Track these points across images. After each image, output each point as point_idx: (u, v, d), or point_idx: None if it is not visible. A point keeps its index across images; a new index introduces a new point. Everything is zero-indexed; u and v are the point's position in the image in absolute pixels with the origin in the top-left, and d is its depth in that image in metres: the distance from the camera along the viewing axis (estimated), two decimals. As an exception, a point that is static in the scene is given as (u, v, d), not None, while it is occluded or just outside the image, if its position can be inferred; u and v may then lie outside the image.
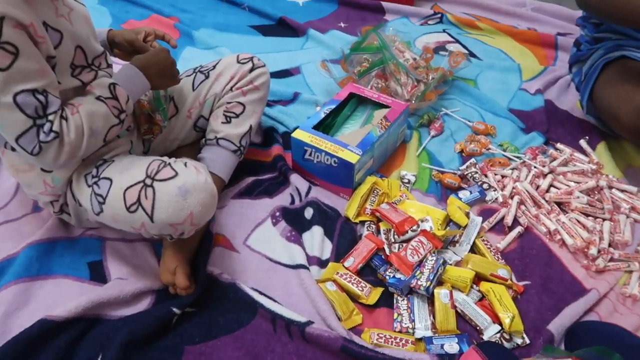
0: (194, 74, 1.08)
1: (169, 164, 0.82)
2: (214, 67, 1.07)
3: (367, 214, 1.02)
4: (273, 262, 0.96)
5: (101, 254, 0.96)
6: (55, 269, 0.93)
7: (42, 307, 0.86)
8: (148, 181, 0.80)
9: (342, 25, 1.60)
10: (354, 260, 0.93)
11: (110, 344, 0.81)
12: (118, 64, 0.95)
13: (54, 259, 0.94)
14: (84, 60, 0.86)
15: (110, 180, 0.83)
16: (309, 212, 1.02)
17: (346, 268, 0.92)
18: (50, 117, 0.76)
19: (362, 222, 1.02)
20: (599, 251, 0.96)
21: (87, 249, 0.97)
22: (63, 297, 0.88)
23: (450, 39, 1.54)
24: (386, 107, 1.14)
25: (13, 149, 0.86)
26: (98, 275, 0.93)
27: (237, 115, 1.04)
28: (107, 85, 0.84)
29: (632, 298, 0.90)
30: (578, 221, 1.02)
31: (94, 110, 0.81)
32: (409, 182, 1.10)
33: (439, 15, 1.63)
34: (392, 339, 0.83)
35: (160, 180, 0.79)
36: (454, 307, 0.87)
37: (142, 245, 0.97)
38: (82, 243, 0.98)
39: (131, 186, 0.80)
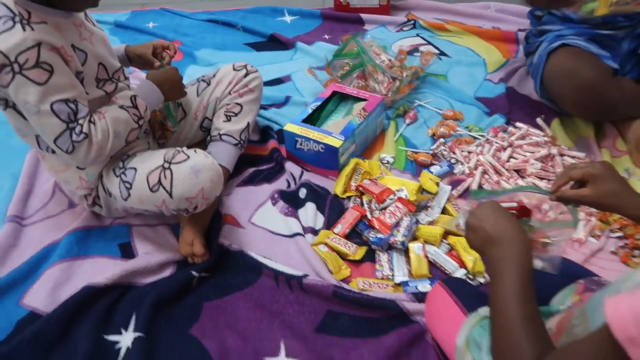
0: (198, 83, 1.27)
1: (182, 150, 1.01)
2: (214, 75, 1.26)
3: (352, 190, 1.19)
4: (274, 234, 1.13)
5: (129, 237, 1.14)
6: (92, 250, 1.11)
7: (84, 280, 1.03)
8: (166, 165, 0.98)
9: (327, 37, 1.80)
10: (342, 226, 1.10)
11: (142, 304, 0.98)
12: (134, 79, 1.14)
13: (89, 243, 1.12)
14: (106, 74, 1.05)
15: (135, 169, 1.02)
16: (302, 192, 1.20)
17: (336, 233, 1.10)
18: (81, 121, 0.94)
19: (349, 197, 1.19)
20: (550, 207, 1.12)
21: (116, 234, 1.15)
22: (100, 271, 1.04)
23: (423, 42, 1.73)
24: (365, 100, 1.32)
25: (52, 152, 1.05)
26: (128, 253, 1.11)
27: (236, 114, 1.23)
28: (129, 96, 1.03)
29: (579, 241, 1.06)
30: (534, 184, 1.18)
31: (118, 116, 1.00)
32: (388, 162, 1.27)
33: (412, 22, 1.83)
34: (376, 284, 1.00)
35: (176, 163, 0.98)
36: (426, 257, 1.03)
37: (163, 228, 1.15)
38: (112, 230, 1.16)
39: (152, 171, 0.99)
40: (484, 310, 0.78)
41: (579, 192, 0.72)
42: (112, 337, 0.95)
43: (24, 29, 0.88)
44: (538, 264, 0.72)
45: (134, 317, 0.96)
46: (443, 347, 0.84)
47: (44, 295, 1.01)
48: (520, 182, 1.18)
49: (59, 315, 0.96)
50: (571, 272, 0.91)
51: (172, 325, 0.96)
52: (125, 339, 0.94)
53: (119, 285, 1.02)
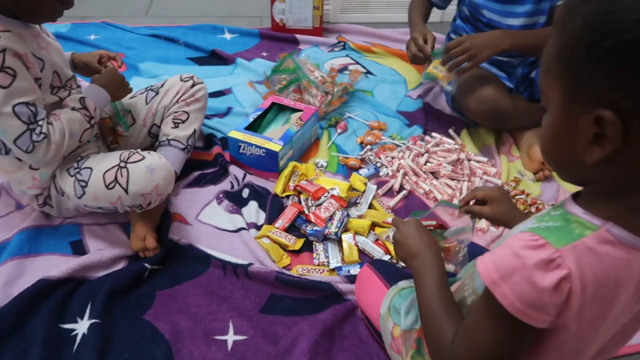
0: (146, 92, 1.36)
1: (137, 151, 1.10)
2: (162, 85, 1.36)
3: (291, 189, 1.33)
4: (220, 229, 1.24)
5: (80, 235, 1.20)
6: (43, 248, 1.16)
7: (36, 276, 1.08)
8: (122, 164, 1.07)
9: (264, 54, 1.94)
10: (282, 221, 1.23)
11: (96, 294, 1.05)
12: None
13: (40, 241, 1.17)
14: (59, 82, 1.13)
15: (91, 168, 1.09)
16: (245, 192, 1.32)
17: (277, 228, 1.22)
18: (40, 123, 1.01)
19: (288, 196, 1.32)
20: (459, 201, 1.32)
21: (67, 232, 1.20)
22: (52, 267, 1.10)
23: (352, 62, 1.92)
24: (301, 111, 1.47)
25: (5, 154, 1.10)
26: (79, 250, 1.17)
27: (183, 121, 1.33)
28: (78, 99, 1.11)
29: (482, 230, 1.26)
30: (446, 184, 1.38)
31: (71, 117, 1.07)
32: (322, 166, 1.43)
33: (343, 43, 2.01)
34: (313, 270, 1.14)
35: (132, 162, 1.07)
36: (357, 245, 1.19)
37: (113, 227, 1.22)
38: (63, 228, 1.21)
39: (109, 170, 1.07)
40: (403, 283, 0.94)
41: (480, 209, 0.88)
42: (68, 326, 1.01)
43: None
44: (451, 267, 0.89)
45: (89, 306, 1.03)
46: (370, 318, 0.99)
47: (-4, 291, 1.06)
48: (435, 182, 1.37)
49: (14, 306, 1.01)
50: (476, 252, 1.10)
51: (126, 312, 1.04)
52: (81, 327, 1.01)
53: (73, 278, 1.09)
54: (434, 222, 0.93)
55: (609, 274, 0.51)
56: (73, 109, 1.08)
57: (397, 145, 1.51)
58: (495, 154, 1.50)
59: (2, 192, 1.29)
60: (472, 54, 1.35)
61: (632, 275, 0.53)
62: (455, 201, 1.32)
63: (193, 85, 1.36)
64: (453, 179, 1.39)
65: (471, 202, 0.91)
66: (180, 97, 1.34)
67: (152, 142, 1.37)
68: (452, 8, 1.73)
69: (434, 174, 1.41)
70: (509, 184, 1.39)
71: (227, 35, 2.04)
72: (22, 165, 1.12)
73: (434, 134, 1.55)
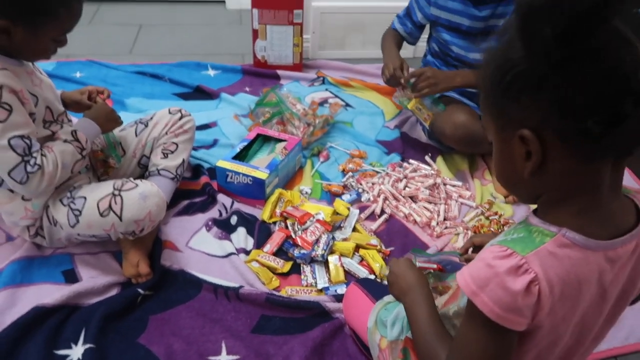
0: (136, 125, 1.41)
1: (130, 180, 1.15)
2: (151, 118, 1.42)
3: (278, 215, 1.38)
4: (210, 255, 1.28)
5: (72, 264, 1.23)
6: (36, 278, 1.18)
7: (29, 304, 1.10)
8: (116, 192, 1.12)
9: (247, 89, 2.02)
10: (270, 246, 1.28)
11: (90, 320, 1.07)
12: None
13: (33, 271, 1.19)
14: (52, 116, 1.18)
15: (85, 197, 1.13)
16: (234, 219, 1.37)
17: (265, 252, 1.27)
18: (34, 155, 1.06)
19: (274, 222, 1.38)
20: (437, 223, 1.40)
21: (59, 262, 1.23)
22: (46, 296, 1.12)
23: (331, 95, 2.01)
24: (285, 141, 1.54)
25: (-2, 186, 1.13)
26: (72, 279, 1.19)
27: (173, 152, 1.38)
28: (70, 132, 1.16)
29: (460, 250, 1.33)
30: (424, 207, 1.45)
31: (64, 149, 1.12)
32: (306, 193, 1.49)
33: (322, 78, 2.11)
34: (302, 291, 1.18)
35: (126, 190, 1.12)
36: (342, 266, 1.24)
37: (104, 255, 1.25)
38: (54, 258, 1.24)
39: (103, 198, 1.11)
40: (388, 298, 1.00)
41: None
42: (62, 352, 1.03)
43: None
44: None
45: (83, 332, 1.06)
46: (358, 333, 1.04)
47: (-11, 320, 1.07)
48: (414, 205, 1.45)
49: (9, 334, 1.03)
50: (457, 268, 1.16)
51: (120, 336, 1.07)
52: (76, 352, 1.03)
53: (67, 306, 1.11)
54: (434, 266, 0.98)
55: (570, 274, 0.58)
56: (65, 141, 1.13)
57: (377, 172, 1.58)
58: (469, 178, 1.59)
59: (-7, 225, 1.31)
60: (432, 82, 1.54)
61: (591, 272, 0.60)
62: (434, 222, 1.40)
63: (181, 118, 1.42)
64: (431, 202, 1.47)
65: (470, 250, 0.97)
66: (169, 128, 1.40)
67: (142, 172, 1.41)
68: (422, 45, 1.86)
69: (413, 198, 1.49)
70: (483, 205, 1.47)
71: (211, 72, 2.12)
72: (15, 197, 1.15)
73: (411, 160, 1.63)
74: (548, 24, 0.49)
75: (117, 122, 1.29)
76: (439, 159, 1.66)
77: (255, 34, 2.09)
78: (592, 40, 0.49)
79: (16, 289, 1.14)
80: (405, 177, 1.54)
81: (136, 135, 1.40)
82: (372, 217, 1.43)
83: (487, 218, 1.43)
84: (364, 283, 1.09)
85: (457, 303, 0.78)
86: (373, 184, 1.53)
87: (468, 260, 0.97)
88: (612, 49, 0.50)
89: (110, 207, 1.10)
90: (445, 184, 1.54)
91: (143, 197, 1.12)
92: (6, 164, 1.04)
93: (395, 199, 1.48)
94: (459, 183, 1.55)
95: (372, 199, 1.48)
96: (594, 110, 0.51)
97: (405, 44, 1.80)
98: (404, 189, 1.51)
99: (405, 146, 1.73)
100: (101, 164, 1.33)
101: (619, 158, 0.57)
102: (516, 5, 0.51)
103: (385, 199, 1.47)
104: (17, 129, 1.03)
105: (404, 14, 1.76)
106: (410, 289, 0.81)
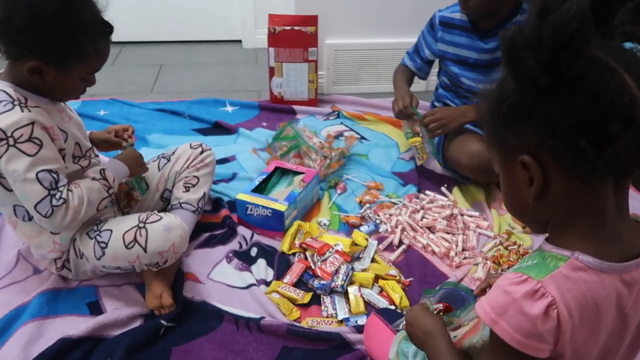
0: (159, 159, 1.46)
1: (155, 213, 1.18)
2: (173, 153, 1.46)
3: (297, 247, 1.40)
4: (231, 287, 1.29)
5: (96, 296, 1.25)
6: (61, 310, 1.21)
7: (56, 336, 1.12)
8: (141, 225, 1.15)
9: (264, 124, 2.08)
10: (290, 277, 1.30)
11: (115, 351, 1.09)
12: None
13: (59, 303, 1.22)
14: (80, 152, 1.22)
15: (111, 230, 1.17)
16: (254, 251, 1.39)
17: (285, 283, 1.28)
18: (61, 189, 1.09)
19: (294, 254, 1.39)
20: (455, 253, 1.40)
21: (84, 294, 1.25)
22: (71, 328, 1.14)
23: (346, 129, 2.06)
24: (303, 173, 1.58)
25: (27, 220, 1.17)
26: (96, 311, 1.21)
27: (194, 185, 1.42)
28: (99, 170, 1.20)
29: (479, 279, 1.33)
30: (442, 237, 1.46)
31: (91, 186, 1.16)
32: (325, 225, 1.51)
33: (337, 112, 2.16)
34: (322, 322, 1.19)
35: (150, 223, 1.15)
36: (362, 297, 1.25)
37: (128, 287, 1.27)
38: (79, 290, 1.26)
39: (128, 230, 1.15)
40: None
41: None
42: (87, 383, 1.04)
43: (22, 111, 1.05)
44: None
45: (108, 363, 1.07)
46: (379, 364, 1.04)
47: (16, 352, 1.09)
48: (432, 235, 1.46)
49: (36, 366, 1.05)
50: (459, 299, 1.17)
51: (144, 368, 1.08)
52: (101, 384, 1.04)
53: (92, 337, 1.12)
54: (441, 306, 0.98)
55: (587, 297, 0.58)
56: (93, 179, 1.17)
57: (394, 203, 1.60)
58: (487, 209, 1.60)
59: (20, 258, 1.35)
60: (443, 123, 1.59)
61: (609, 296, 0.60)
62: (452, 253, 1.40)
63: (202, 152, 1.46)
64: (449, 233, 1.48)
65: (488, 290, 0.98)
66: (191, 163, 1.44)
67: (164, 206, 1.45)
68: (434, 78, 1.91)
69: (430, 229, 1.50)
70: (502, 235, 1.48)
71: (229, 108, 2.19)
72: (44, 231, 1.19)
73: (427, 191, 1.65)
74: (531, 57, 0.52)
75: (144, 167, 1.33)
76: (455, 190, 1.67)
77: (271, 71, 2.16)
78: (574, 68, 0.52)
79: (43, 321, 1.17)
80: (422, 208, 1.56)
81: (159, 170, 1.44)
82: (390, 247, 1.44)
83: (505, 248, 1.43)
84: (384, 313, 1.09)
85: (480, 334, 0.79)
86: (390, 215, 1.55)
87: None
88: (595, 75, 0.53)
89: (135, 239, 1.13)
90: (462, 215, 1.55)
91: (167, 229, 1.15)
92: (33, 197, 1.07)
93: (413, 229, 1.49)
94: (476, 213, 1.56)
95: (389, 229, 1.49)
96: (584, 131, 0.54)
97: (417, 78, 1.86)
98: (422, 219, 1.52)
99: (421, 177, 1.75)
100: (125, 196, 1.37)
101: (618, 179, 0.59)
102: (501, 42, 0.55)
103: (403, 229, 1.49)
104: (45, 164, 1.07)
105: (413, 50, 1.82)
106: (428, 336, 0.81)
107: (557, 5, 0.51)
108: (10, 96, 1.06)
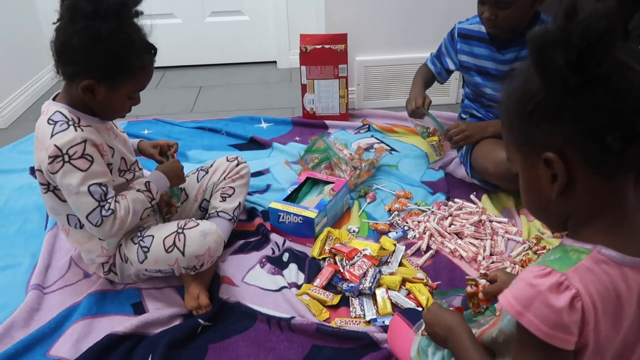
0: (197, 172, 1.56)
1: (192, 219, 1.27)
2: (211, 165, 1.56)
3: (327, 252, 1.45)
4: (264, 289, 1.36)
5: (140, 297, 1.34)
6: (108, 309, 1.30)
7: (103, 333, 1.21)
8: (180, 230, 1.23)
9: (297, 138, 2.16)
10: (320, 280, 1.35)
11: (156, 347, 1.17)
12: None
13: (106, 304, 1.32)
14: (126, 166, 1.33)
15: (152, 236, 1.26)
16: (285, 256, 1.45)
17: (315, 286, 1.34)
18: (109, 201, 1.20)
19: (324, 259, 1.45)
20: (483, 258, 1.42)
21: (129, 296, 1.35)
22: (117, 326, 1.23)
23: (377, 141, 2.11)
24: (333, 183, 1.64)
25: (79, 228, 1.28)
26: (140, 311, 1.30)
27: (230, 195, 1.51)
28: (144, 182, 1.30)
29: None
30: (470, 243, 1.48)
31: (136, 197, 1.25)
32: (354, 232, 1.56)
33: (367, 126, 2.23)
34: (351, 322, 1.23)
35: (188, 228, 1.24)
36: (389, 299, 1.28)
37: (168, 290, 1.36)
38: (125, 293, 1.36)
39: (168, 235, 1.24)
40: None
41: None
42: (131, 376, 1.12)
43: (75, 130, 1.16)
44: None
45: (150, 358, 1.14)
46: (403, 362, 1.07)
47: (68, 347, 1.19)
48: (459, 241, 1.48)
49: (86, 358, 1.14)
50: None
51: (183, 362, 1.15)
52: (143, 376, 1.11)
53: (135, 334, 1.21)
54: (451, 309, 1.01)
55: (609, 289, 0.60)
56: (138, 190, 1.26)
57: (423, 211, 1.64)
58: (516, 215, 1.61)
59: (72, 264, 1.46)
60: (467, 135, 1.67)
61: (631, 290, 0.61)
62: (480, 257, 1.42)
63: (237, 165, 1.55)
64: (477, 238, 1.50)
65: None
66: (227, 174, 1.53)
67: (202, 215, 1.54)
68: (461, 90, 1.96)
69: (458, 235, 1.52)
70: (530, 240, 1.48)
71: (264, 125, 2.29)
72: (93, 237, 1.30)
73: (456, 199, 1.68)
74: (560, 55, 0.55)
75: (182, 179, 1.42)
76: (484, 197, 1.69)
77: (303, 88, 2.25)
78: (601, 67, 0.54)
79: (92, 319, 1.26)
80: (451, 214, 1.59)
81: (198, 181, 1.54)
82: (418, 253, 1.47)
83: (534, 253, 1.44)
84: (406, 313, 1.13)
85: (498, 327, 0.80)
86: (419, 222, 1.58)
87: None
88: (621, 74, 0.56)
89: (174, 243, 1.22)
90: (491, 221, 1.56)
91: (203, 234, 1.23)
92: (85, 208, 1.17)
93: (441, 235, 1.52)
94: (505, 219, 1.57)
95: (418, 236, 1.52)
96: (611, 128, 0.56)
97: (447, 89, 1.91)
98: (450, 226, 1.55)
99: (450, 186, 1.78)
100: (165, 204, 1.46)
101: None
102: (529, 41, 0.58)
103: (431, 235, 1.52)
104: (96, 178, 1.17)
105: (436, 54, 1.90)
106: (450, 332, 0.83)
107: (585, 7, 0.54)
108: (66, 116, 1.18)
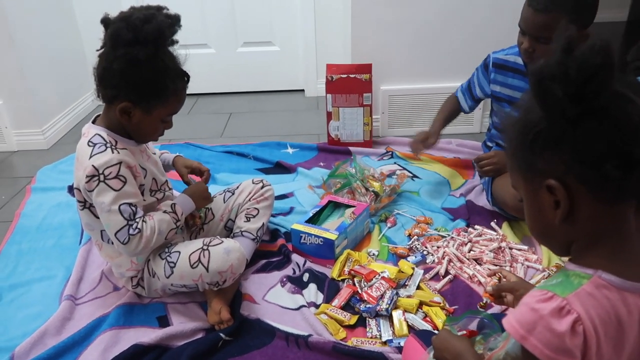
0: (224, 193, 1.63)
1: (217, 237, 1.33)
2: (237, 187, 1.63)
3: (346, 274, 1.49)
4: (283, 308, 1.40)
5: (165, 311, 1.40)
6: (135, 322, 1.36)
7: (128, 344, 1.26)
8: (205, 247, 1.30)
9: (322, 164, 2.22)
10: (338, 300, 1.38)
11: (179, 358, 1.22)
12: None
13: (133, 316, 1.38)
14: (156, 186, 1.41)
15: (179, 252, 1.32)
16: (306, 277, 1.49)
17: (333, 306, 1.37)
18: (137, 220, 1.26)
19: (343, 280, 1.48)
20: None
21: (155, 309, 1.40)
22: (142, 337, 1.28)
23: (400, 167, 2.15)
24: (354, 207, 1.68)
25: (110, 243, 1.35)
26: (165, 324, 1.35)
27: (254, 216, 1.57)
28: (170, 204, 1.37)
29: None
30: (489, 269, 1.49)
31: (162, 218, 1.32)
32: (374, 255, 1.59)
33: (390, 152, 2.27)
34: (367, 342, 1.26)
35: (213, 246, 1.29)
36: (406, 321, 1.30)
37: (192, 305, 1.41)
38: (151, 306, 1.42)
39: (193, 252, 1.30)
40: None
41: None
42: (154, 385, 1.17)
43: (112, 152, 1.24)
44: None
45: (172, 369, 1.19)
46: (415, 381, 1.08)
47: (96, 355, 1.25)
48: (479, 267, 1.49)
49: (111, 368, 1.19)
50: (486, 326, 1.17)
51: (203, 375, 1.19)
52: (165, 386, 1.16)
53: (159, 346, 1.26)
54: (465, 332, 1.01)
55: (610, 313, 0.61)
56: (165, 212, 1.33)
57: (442, 236, 1.66)
58: (536, 243, 1.61)
59: (103, 277, 1.54)
60: (497, 168, 1.68)
61: (631, 313, 0.63)
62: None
63: (262, 187, 1.62)
64: (496, 265, 1.51)
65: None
66: (252, 196, 1.59)
67: (227, 234, 1.60)
68: (487, 119, 1.99)
69: (477, 261, 1.53)
70: (550, 269, 1.48)
71: (290, 150, 2.36)
72: (123, 253, 1.37)
73: (476, 226, 1.69)
74: (559, 87, 0.58)
75: (209, 200, 1.49)
76: (505, 225, 1.70)
77: (329, 115, 2.32)
78: (599, 99, 0.58)
79: (119, 330, 1.32)
80: (470, 240, 1.60)
81: (224, 202, 1.60)
82: (436, 277, 1.49)
83: (554, 281, 1.43)
84: (421, 335, 1.14)
85: (505, 350, 0.82)
86: (438, 247, 1.61)
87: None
88: (618, 106, 0.58)
89: (199, 259, 1.28)
90: (510, 248, 1.57)
91: (227, 251, 1.29)
92: (114, 226, 1.24)
93: (460, 261, 1.53)
94: (525, 247, 1.58)
95: (436, 260, 1.54)
96: (610, 157, 0.58)
97: (470, 116, 1.94)
98: (469, 252, 1.56)
99: (471, 213, 1.80)
100: (190, 216, 1.51)
101: None
102: (530, 74, 0.61)
103: (450, 260, 1.53)
104: (127, 198, 1.24)
105: (466, 86, 1.92)
106: (458, 358, 0.84)
107: (582, 43, 0.57)
108: (104, 139, 1.27)
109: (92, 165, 1.22)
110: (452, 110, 1.95)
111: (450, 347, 0.87)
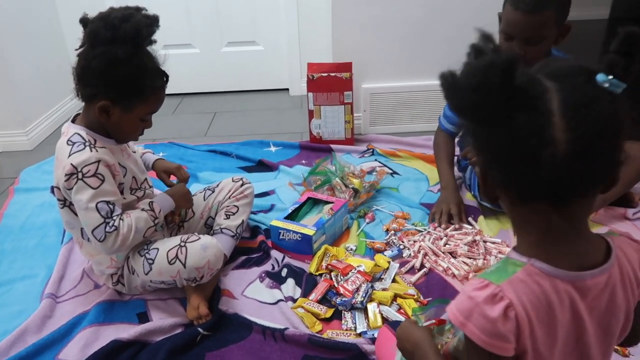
0: (204, 191, 1.65)
1: (194, 234, 1.36)
2: (217, 185, 1.65)
3: (324, 269, 1.52)
4: (261, 302, 1.43)
5: (145, 308, 1.42)
6: (115, 318, 1.38)
7: (109, 339, 1.28)
8: (182, 244, 1.32)
9: (304, 162, 2.25)
10: (315, 294, 1.41)
11: (157, 354, 1.24)
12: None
13: (113, 313, 1.40)
14: (136, 184, 1.43)
15: (157, 249, 1.35)
16: (284, 272, 1.52)
17: (310, 300, 1.40)
18: (114, 218, 1.28)
19: (320, 275, 1.51)
20: (475, 276, 1.46)
21: (135, 306, 1.43)
22: (122, 332, 1.31)
23: (380, 164, 2.18)
24: (332, 203, 1.71)
25: (89, 240, 1.37)
26: (144, 320, 1.38)
27: (234, 213, 1.59)
28: (147, 202, 1.39)
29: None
30: (463, 262, 1.53)
31: (139, 216, 1.33)
32: (352, 250, 1.62)
33: (372, 150, 2.31)
34: (342, 334, 1.29)
35: (190, 242, 1.32)
36: (381, 313, 1.34)
37: (172, 301, 1.44)
38: (131, 303, 1.44)
39: (171, 248, 1.32)
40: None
41: None
42: (133, 380, 1.19)
43: (91, 151, 1.26)
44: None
45: (151, 363, 1.22)
46: (388, 371, 1.11)
47: (76, 351, 1.27)
48: (453, 260, 1.53)
49: (91, 363, 1.22)
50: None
51: (181, 369, 1.22)
52: (144, 380, 1.18)
53: (138, 341, 1.29)
54: (433, 321, 1.02)
55: (540, 299, 0.65)
56: (142, 209, 1.35)
57: (419, 231, 1.69)
58: (512, 236, 1.65)
59: (84, 276, 1.56)
60: None
61: (562, 300, 0.66)
62: (472, 275, 1.46)
63: (242, 185, 1.64)
64: (470, 257, 1.54)
65: None
66: (232, 194, 1.62)
67: (208, 231, 1.63)
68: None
69: (452, 254, 1.57)
70: (523, 261, 1.52)
71: (272, 148, 2.39)
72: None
73: (452, 220, 1.73)
74: (458, 97, 0.63)
75: (190, 202, 1.51)
76: (481, 219, 1.74)
77: (310, 114, 2.35)
78: (499, 111, 0.61)
79: (99, 327, 1.35)
80: (446, 235, 1.64)
81: (204, 200, 1.63)
82: (412, 270, 1.53)
83: (526, 272, 1.47)
84: (394, 325, 1.18)
85: (458, 336, 0.86)
86: (414, 241, 1.64)
87: None
88: (522, 112, 0.60)
89: (176, 256, 1.31)
90: (485, 241, 1.61)
91: (204, 248, 1.31)
92: (91, 223, 1.25)
93: (435, 254, 1.57)
94: (499, 240, 1.61)
95: (412, 254, 1.58)
96: (512, 159, 0.63)
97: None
98: (444, 245, 1.60)
99: (448, 208, 1.83)
100: (170, 214, 1.53)
101: (557, 203, 0.65)
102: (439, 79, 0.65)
103: (425, 254, 1.57)
104: (105, 196, 1.26)
105: (444, 114, 1.89)
106: (416, 347, 0.88)
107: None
108: (83, 138, 1.29)
109: (71, 164, 1.24)
110: (449, 151, 1.88)
111: (410, 337, 0.90)
